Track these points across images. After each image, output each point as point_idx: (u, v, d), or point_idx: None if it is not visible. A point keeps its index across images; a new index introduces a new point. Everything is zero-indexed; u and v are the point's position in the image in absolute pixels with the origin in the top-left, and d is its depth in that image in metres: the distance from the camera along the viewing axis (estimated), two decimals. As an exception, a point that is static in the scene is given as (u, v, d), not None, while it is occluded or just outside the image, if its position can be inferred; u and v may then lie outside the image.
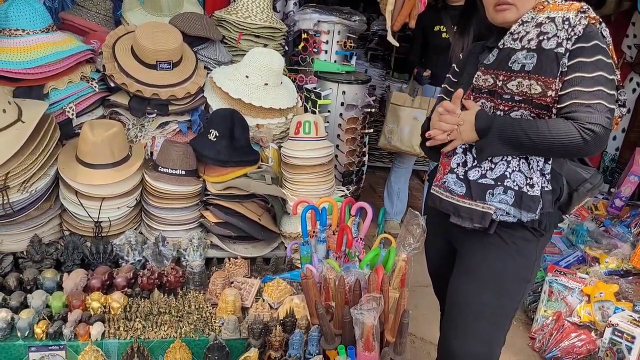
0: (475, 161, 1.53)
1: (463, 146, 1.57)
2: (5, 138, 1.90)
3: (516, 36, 1.49)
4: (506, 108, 1.48)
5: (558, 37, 1.42)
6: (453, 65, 1.81)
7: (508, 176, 1.48)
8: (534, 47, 1.44)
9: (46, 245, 2.03)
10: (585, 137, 1.36)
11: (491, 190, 1.50)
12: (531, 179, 1.47)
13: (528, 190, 1.46)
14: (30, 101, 2.05)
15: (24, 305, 1.77)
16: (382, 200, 3.88)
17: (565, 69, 1.40)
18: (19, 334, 1.67)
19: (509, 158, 1.48)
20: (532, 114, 1.45)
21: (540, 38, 1.44)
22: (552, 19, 1.44)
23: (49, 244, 2.06)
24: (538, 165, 1.47)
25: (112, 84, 2.24)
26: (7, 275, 1.88)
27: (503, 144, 1.44)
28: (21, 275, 1.88)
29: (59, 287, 1.87)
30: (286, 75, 2.68)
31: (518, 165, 1.48)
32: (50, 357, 1.66)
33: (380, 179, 4.61)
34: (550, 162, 1.48)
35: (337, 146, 3.03)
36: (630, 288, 2.78)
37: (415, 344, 2.67)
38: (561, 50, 1.40)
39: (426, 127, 1.69)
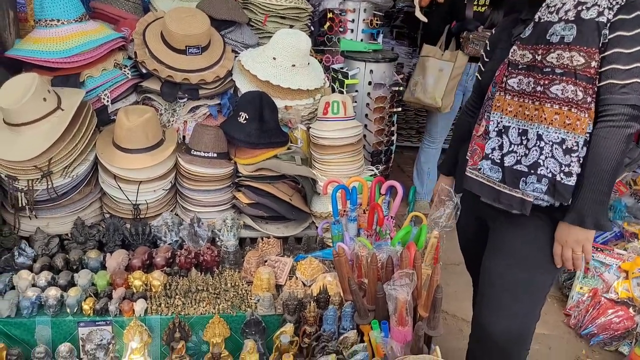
0: (512, 145, 1.52)
1: (497, 128, 1.54)
2: (47, 126, 1.98)
3: (552, 8, 1.44)
4: (547, 82, 1.44)
5: (599, 5, 1.36)
6: (486, 42, 1.78)
7: (542, 163, 1.45)
8: (572, 18, 1.39)
9: (89, 228, 2.13)
10: (626, 129, 1.36)
11: (525, 178, 1.47)
12: (568, 165, 1.42)
13: (562, 179, 1.43)
14: (67, 89, 2.12)
15: (72, 283, 1.87)
16: (411, 180, 3.86)
17: (606, 40, 1.36)
18: (68, 310, 1.77)
19: (542, 143, 1.45)
20: (576, 87, 1.40)
21: (579, 8, 1.39)
22: None
23: (91, 226, 2.16)
24: (574, 151, 1.42)
25: (144, 70, 2.29)
26: (54, 256, 1.98)
27: (601, 207, 1.44)
28: (67, 255, 1.98)
29: (103, 266, 1.97)
30: (312, 55, 2.67)
31: (551, 151, 1.44)
32: (98, 332, 1.74)
33: (409, 158, 4.57)
34: (587, 145, 1.43)
35: (366, 126, 3.02)
36: (670, 263, 2.71)
37: (447, 320, 2.68)
38: (603, 19, 1.35)
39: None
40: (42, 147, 1.95)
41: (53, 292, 1.77)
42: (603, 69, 1.38)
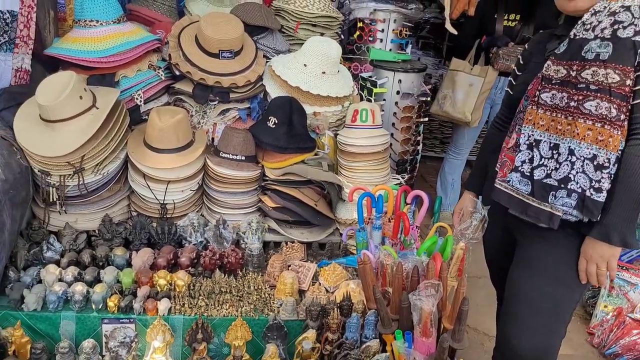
0: (542, 159, 1.50)
1: (528, 141, 1.54)
2: (82, 123, 2.02)
3: (588, 26, 1.44)
4: (581, 97, 1.43)
5: (635, 25, 1.36)
6: (518, 57, 1.78)
7: (572, 178, 1.44)
8: (609, 36, 1.38)
9: (116, 225, 2.16)
10: None
11: (554, 192, 1.47)
12: (598, 182, 1.41)
13: (592, 195, 1.42)
14: (103, 88, 2.17)
15: (97, 280, 1.89)
16: (434, 190, 3.84)
17: None
18: (93, 307, 1.79)
19: (573, 158, 1.44)
20: (611, 104, 1.39)
21: (615, 27, 1.38)
22: (627, 8, 1.38)
23: (119, 223, 2.19)
24: (606, 167, 1.41)
25: (177, 72, 2.33)
26: (81, 252, 2.02)
27: (629, 224, 1.44)
28: (94, 252, 2.02)
29: (128, 264, 1.99)
30: (341, 63, 2.69)
31: (582, 166, 1.43)
32: (122, 329, 1.75)
33: (432, 168, 4.55)
34: (617, 164, 1.41)
35: (392, 135, 3.02)
36: (699, 286, 2.64)
37: (469, 334, 2.65)
38: (639, 39, 1.34)
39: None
40: (76, 143, 1.99)
41: (79, 288, 1.79)
42: (637, 88, 1.37)
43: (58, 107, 1.98)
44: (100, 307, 1.79)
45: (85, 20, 2.21)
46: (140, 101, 2.28)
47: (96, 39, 2.19)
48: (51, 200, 2.07)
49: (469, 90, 3.20)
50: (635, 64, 1.36)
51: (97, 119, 2.03)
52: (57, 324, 1.79)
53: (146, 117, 2.26)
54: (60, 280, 1.85)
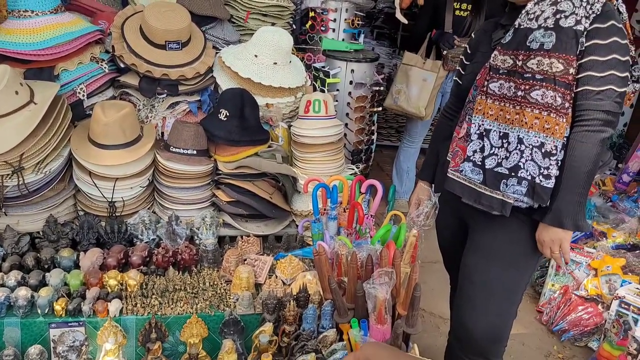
0: (493, 148, 1.54)
1: (479, 131, 1.57)
2: (19, 120, 1.91)
3: (532, 15, 1.47)
4: (527, 87, 1.47)
5: (576, 14, 1.40)
6: (465, 46, 1.81)
7: (522, 166, 1.49)
8: (551, 26, 1.43)
9: (62, 225, 2.07)
10: (601, 133, 1.41)
11: (505, 180, 1.51)
12: (547, 168, 1.46)
13: (541, 181, 1.47)
14: (41, 83, 2.06)
15: (43, 283, 1.81)
16: (390, 179, 3.90)
17: (583, 48, 1.40)
18: (39, 311, 1.71)
19: (522, 147, 1.48)
20: (556, 93, 1.44)
21: (558, 16, 1.42)
22: None
23: (65, 223, 2.10)
24: (553, 155, 1.46)
25: (121, 65, 2.24)
26: (24, 255, 1.92)
27: (579, 208, 1.48)
28: (38, 254, 1.92)
29: (76, 265, 1.91)
30: (294, 54, 2.66)
31: (531, 154, 1.48)
32: (70, 333, 1.69)
33: (388, 157, 4.62)
34: (564, 150, 1.47)
35: (346, 125, 3.03)
36: (636, 261, 2.81)
37: (425, 318, 2.71)
38: (580, 28, 1.39)
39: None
40: (13, 141, 1.88)
41: (23, 292, 1.71)
42: (580, 76, 1.42)
43: (-8, 103, 1.86)
44: (46, 312, 1.71)
45: (19, 11, 2.08)
46: (83, 95, 2.18)
47: (32, 30, 2.06)
48: (-11, 202, 1.96)
49: (423, 85, 3.26)
50: (577, 52, 1.40)
51: (35, 115, 1.93)
52: (1, 331, 1.70)
53: (90, 112, 2.16)
54: (2, 285, 1.76)
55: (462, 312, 1.73)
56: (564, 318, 2.71)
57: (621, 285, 2.66)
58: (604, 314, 2.65)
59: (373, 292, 1.51)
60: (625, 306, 2.53)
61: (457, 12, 3.23)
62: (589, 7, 1.40)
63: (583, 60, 1.41)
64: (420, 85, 3.28)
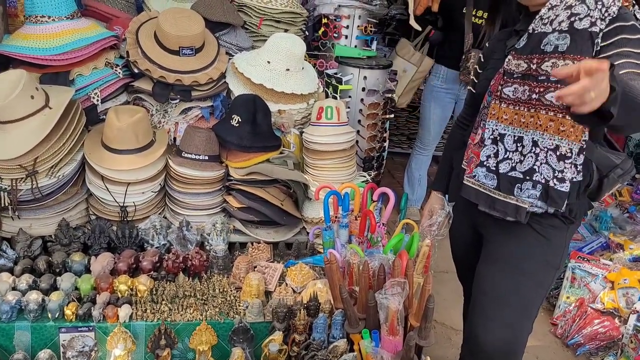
0: (507, 152, 1.51)
1: (493, 136, 1.55)
2: (34, 124, 1.93)
3: (546, 20, 1.46)
4: (542, 89, 1.45)
5: (591, 17, 1.39)
6: (479, 55, 1.79)
7: (536, 170, 1.46)
8: (566, 28, 1.41)
9: (74, 229, 2.08)
10: None
11: (520, 185, 1.48)
12: (561, 172, 1.43)
13: (555, 185, 1.44)
14: (56, 87, 2.08)
15: (54, 287, 1.81)
16: (401, 186, 3.87)
17: (599, 48, 1.37)
18: (49, 316, 1.72)
19: (537, 150, 1.46)
20: None
21: (572, 19, 1.41)
22: (583, 1, 1.41)
23: (77, 228, 2.11)
24: (568, 157, 1.43)
25: (135, 70, 2.26)
26: (36, 258, 1.93)
27: (622, 105, 1.18)
28: (50, 258, 1.93)
29: (87, 270, 1.92)
30: (306, 60, 2.66)
31: (545, 157, 1.45)
32: (80, 338, 1.69)
33: (399, 164, 4.58)
34: (584, 153, 1.44)
35: (358, 132, 3.02)
36: (655, 275, 2.74)
37: (437, 329, 2.67)
38: (595, 29, 1.37)
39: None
40: (27, 145, 1.90)
41: (34, 296, 1.71)
42: (616, 63, 1.28)
43: (8, 108, 1.88)
44: (57, 316, 1.72)
45: (36, 16, 2.10)
46: (97, 100, 2.19)
47: (48, 35, 2.09)
48: (2, 205, 1.97)
49: (402, 76, 3.40)
50: (593, 53, 1.38)
51: (50, 119, 1.94)
52: (11, 335, 1.70)
53: (104, 116, 2.18)
54: (13, 289, 1.77)
55: (475, 324, 1.69)
56: (579, 331, 2.65)
57: (639, 299, 2.59)
58: (620, 328, 2.58)
59: (385, 302, 1.49)
60: (643, 320, 2.46)
61: (474, 20, 3.21)
62: (604, 9, 1.38)
63: (614, 52, 1.35)
64: (399, 74, 3.38)
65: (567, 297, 2.81)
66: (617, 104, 1.14)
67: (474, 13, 3.21)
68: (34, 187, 1.96)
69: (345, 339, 1.64)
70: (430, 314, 1.50)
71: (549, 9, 1.46)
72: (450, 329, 2.67)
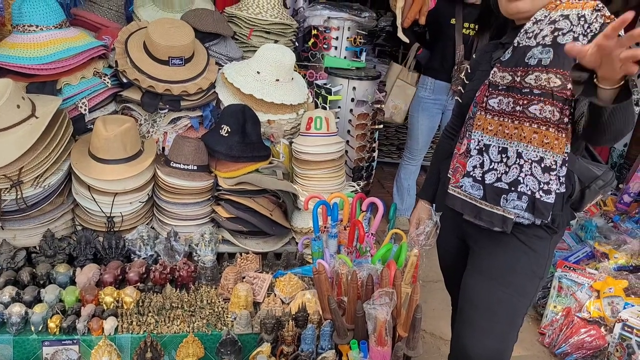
0: (492, 163, 1.53)
1: (478, 147, 1.57)
2: (19, 133, 1.91)
3: (530, 34, 1.49)
4: (525, 102, 1.47)
5: (574, 32, 1.41)
6: (466, 67, 1.82)
7: (521, 181, 1.48)
8: (549, 43, 1.44)
9: (59, 240, 2.05)
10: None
11: (505, 195, 1.50)
12: (547, 183, 1.45)
13: (541, 196, 1.46)
14: (43, 96, 2.06)
15: (38, 299, 1.78)
16: (391, 196, 3.88)
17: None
18: (32, 329, 1.68)
19: (522, 161, 1.48)
20: (554, 108, 1.43)
21: (555, 34, 1.44)
22: (566, 16, 1.44)
23: (62, 238, 2.08)
24: (553, 170, 1.45)
25: (124, 80, 2.25)
26: (20, 270, 1.90)
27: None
28: (34, 269, 1.90)
29: (72, 281, 1.89)
30: (296, 71, 2.68)
31: (530, 168, 1.47)
32: (64, 352, 1.66)
33: (388, 174, 4.61)
34: (566, 165, 1.46)
35: (347, 142, 3.03)
36: (639, 283, 2.77)
37: (425, 339, 2.67)
38: (577, 45, 1.40)
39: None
40: (12, 155, 1.87)
41: (17, 309, 1.68)
42: None
43: (-7, 117, 1.86)
44: (40, 329, 1.68)
45: (24, 25, 2.09)
46: (85, 110, 2.18)
47: (36, 44, 2.07)
48: (-14, 215, 1.94)
49: (409, 100, 3.54)
50: None
51: (36, 129, 1.92)
52: (-7, 349, 1.67)
53: (92, 126, 2.16)
54: (-5, 301, 1.74)
55: (461, 333, 1.70)
56: (566, 340, 2.67)
57: (624, 308, 2.62)
58: (607, 337, 2.60)
59: (373, 312, 1.49)
60: (629, 329, 2.49)
61: (464, 31, 3.26)
62: (586, 25, 1.41)
63: None
64: (412, 100, 3.52)
65: (554, 307, 2.83)
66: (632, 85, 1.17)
67: (465, 26, 3.26)
68: (18, 197, 1.93)
69: (334, 350, 1.63)
70: (418, 324, 1.50)
71: (533, 23, 1.49)
72: (440, 338, 2.67)
